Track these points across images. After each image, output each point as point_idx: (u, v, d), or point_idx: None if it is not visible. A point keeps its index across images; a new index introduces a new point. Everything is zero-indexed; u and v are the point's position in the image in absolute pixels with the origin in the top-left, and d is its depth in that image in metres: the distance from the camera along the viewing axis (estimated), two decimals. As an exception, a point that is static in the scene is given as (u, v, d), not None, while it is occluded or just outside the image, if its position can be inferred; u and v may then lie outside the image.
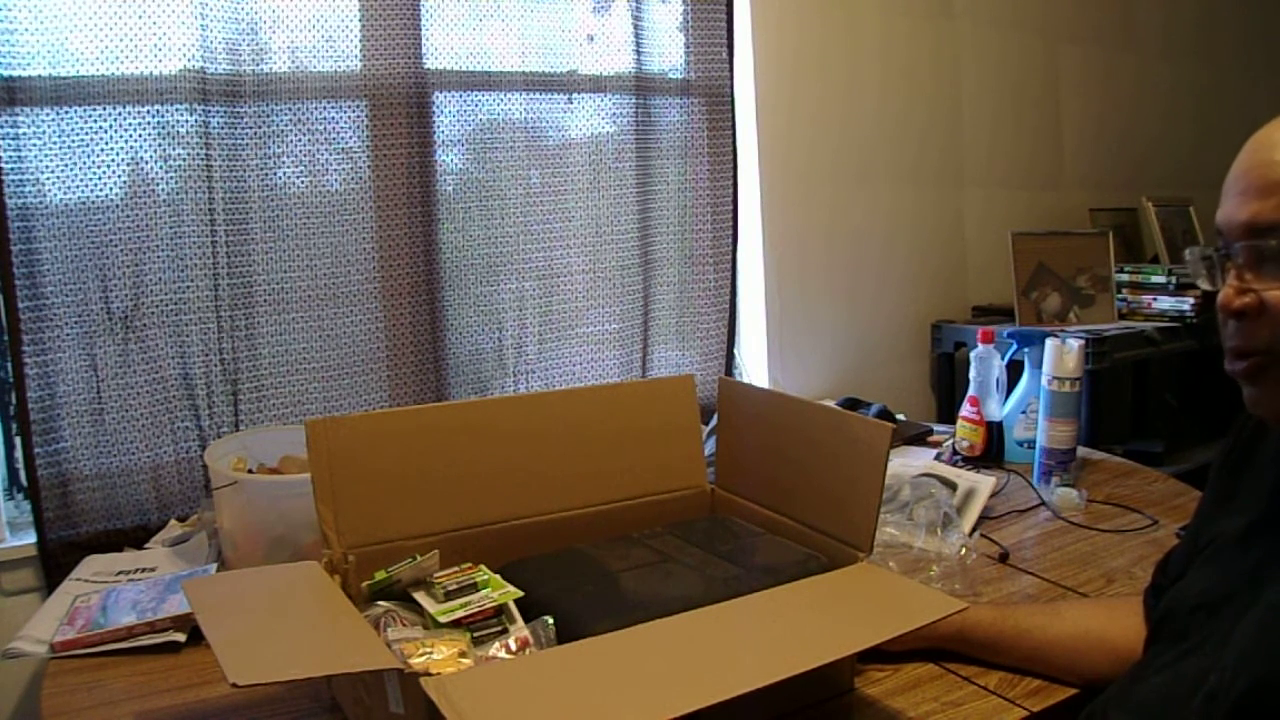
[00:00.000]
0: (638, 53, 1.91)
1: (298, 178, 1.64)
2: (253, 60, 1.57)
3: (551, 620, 0.94)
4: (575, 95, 1.87)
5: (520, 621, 0.96)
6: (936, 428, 1.94)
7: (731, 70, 2.04)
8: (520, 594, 0.98)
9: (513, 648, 0.91)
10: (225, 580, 1.14)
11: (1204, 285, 0.79)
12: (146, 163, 1.50)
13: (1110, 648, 0.97)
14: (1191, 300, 2.29)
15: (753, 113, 2.10)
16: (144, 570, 1.36)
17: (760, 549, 1.09)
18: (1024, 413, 1.75)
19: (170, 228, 1.52)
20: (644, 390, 1.36)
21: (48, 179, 1.44)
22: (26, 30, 1.40)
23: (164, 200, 1.52)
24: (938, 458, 1.71)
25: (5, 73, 1.39)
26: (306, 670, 0.88)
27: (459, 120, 1.77)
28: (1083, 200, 2.76)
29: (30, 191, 1.43)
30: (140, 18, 1.46)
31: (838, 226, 2.27)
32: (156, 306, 1.52)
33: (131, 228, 1.49)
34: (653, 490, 1.22)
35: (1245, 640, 0.71)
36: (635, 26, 1.90)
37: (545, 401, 1.29)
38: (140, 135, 1.49)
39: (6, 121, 1.40)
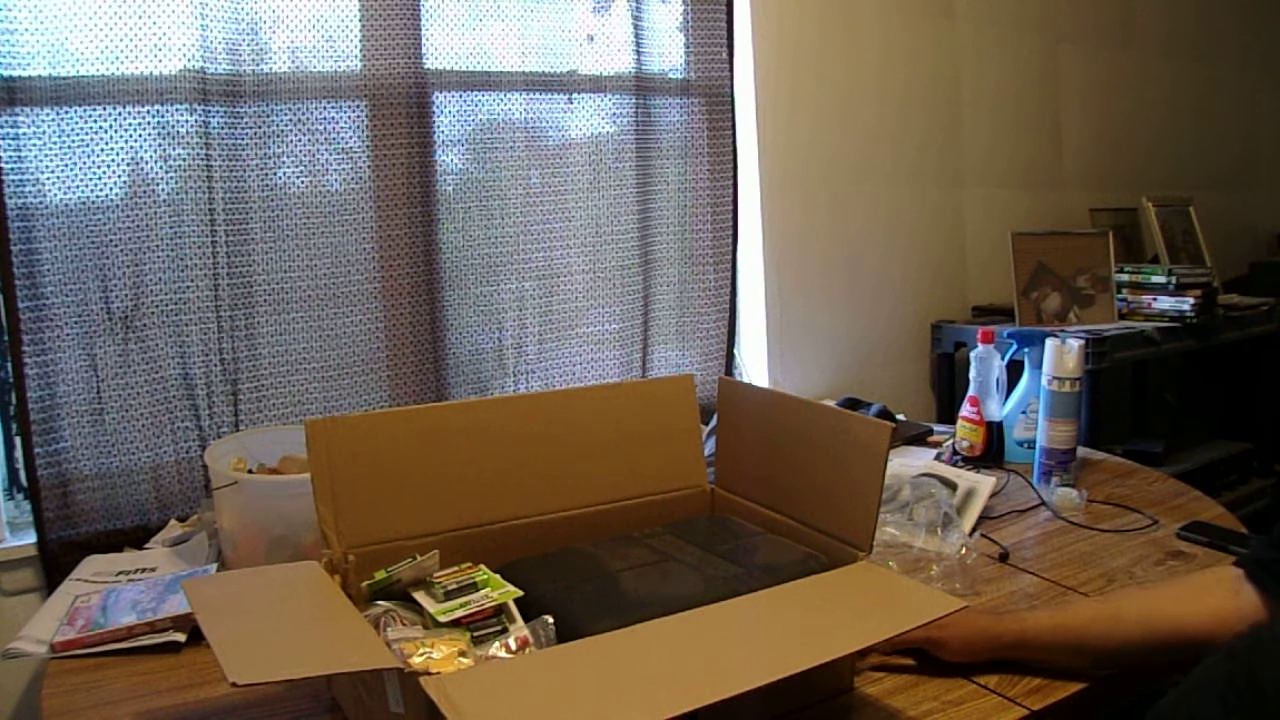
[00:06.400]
0: (638, 53, 1.91)
1: (298, 178, 1.64)
2: (253, 60, 1.57)
3: (551, 620, 0.94)
4: (575, 95, 1.87)
5: (520, 621, 0.96)
6: (936, 428, 1.94)
7: (731, 70, 2.04)
8: (520, 594, 0.98)
9: (513, 647, 0.91)
10: (225, 580, 1.14)
11: None
12: (146, 163, 1.50)
13: (1186, 638, 0.94)
14: (1191, 300, 2.29)
15: (753, 113, 2.10)
16: (144, 570, 1.36)
17: (760, 549, 1.09)
18: (1024, 413, 1.75)
19: (170, 228, 1.52)
20: (644, 390, 1.35)
21: (48, 179, 1.44)
22: (26, 30, 1.40)
23: (164, 200, 1.52)
24: (938, 458, 1.71)
25: (5, 73, 1.39)
26: (306, 670, 0.88)
27: (459, 120, 1.77)
28: (1083, 200, 2.76)
29: (30, 191, 1.43)
30: (140, 18, 1.46)
31: (838, 226, 2.27)
32: (156, 306, 1.52)
33: (131, 228, 1.49)
34: (653, 490, 1.22)
35: None
36: (635, 26, 1.90)
37: (545, 401, 1.28)
38: (140, 135, 1.49)
39: (6, 121, 1.40)
